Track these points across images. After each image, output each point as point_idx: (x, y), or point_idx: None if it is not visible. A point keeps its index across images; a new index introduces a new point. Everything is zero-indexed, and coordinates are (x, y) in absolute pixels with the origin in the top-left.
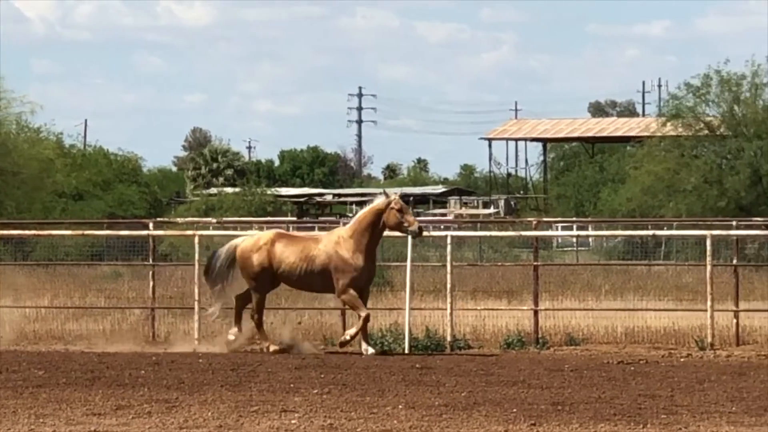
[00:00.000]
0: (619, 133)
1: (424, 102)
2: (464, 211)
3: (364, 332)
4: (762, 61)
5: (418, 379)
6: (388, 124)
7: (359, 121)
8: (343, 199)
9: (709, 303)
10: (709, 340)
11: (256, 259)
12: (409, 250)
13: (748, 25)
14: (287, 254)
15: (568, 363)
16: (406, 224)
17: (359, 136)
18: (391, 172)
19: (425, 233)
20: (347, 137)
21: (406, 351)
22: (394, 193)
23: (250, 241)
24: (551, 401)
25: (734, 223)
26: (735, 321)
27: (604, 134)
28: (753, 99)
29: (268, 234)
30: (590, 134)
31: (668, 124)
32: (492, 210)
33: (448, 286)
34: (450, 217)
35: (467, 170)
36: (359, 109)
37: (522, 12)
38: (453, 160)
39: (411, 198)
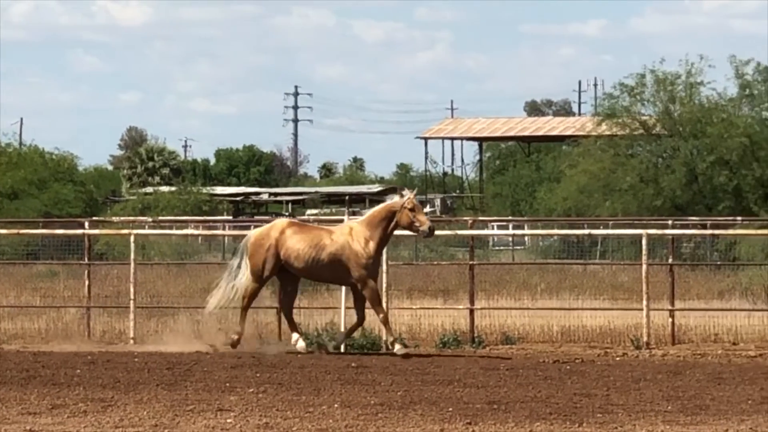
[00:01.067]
0: (555, 133)
1: (360, 101)
2: None
3: (350, 330)
4: (696, 60)
5: (354, 378)
6: (325, 123)
7: (295, 120)
8: (279, 198)
9: (644, 302)
10: (645, 339)
11: (266, 245)
12: None
13: (684, 25)
14: (296, 241)
15: (504, 362)
16: (417, 224)
17: (295, 135)
18: (327, 171)
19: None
20: (283, 136)
21: (342, 350)
22: (409, 191)
23: (262, 229)
24: (487, 400)
25: (670, 222)
26: (671, 320)
27: (540, 133)
28: (688, 98)
29: (280, 222)
30: (526, 133)
31: (604, 123)
32: (428, 209)
33: (384, 285)
34: None
35: (403, 169)
36: (295, 108)
37: (457, 11)
38: (389, 159)
39: (346, 197)
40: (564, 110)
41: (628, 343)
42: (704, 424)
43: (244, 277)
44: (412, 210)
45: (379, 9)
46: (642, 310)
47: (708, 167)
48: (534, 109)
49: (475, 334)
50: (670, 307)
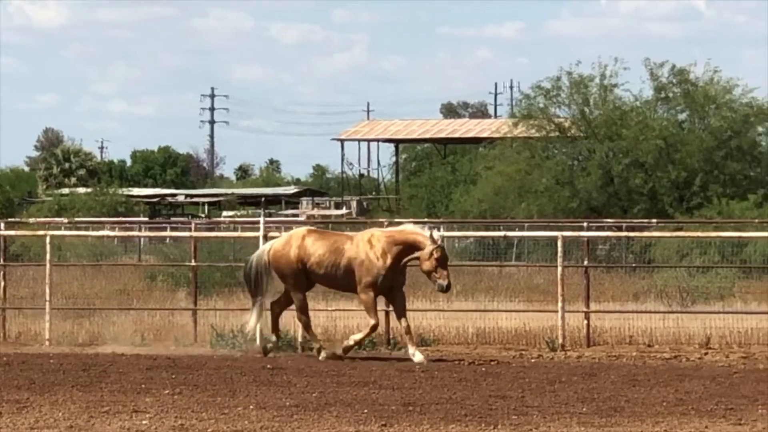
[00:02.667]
0: (471, 134)
1: (277, 103)
2: (316, 212)
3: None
4: (611, 62)
5: (269, 379)
6: (241, 124)
7: (212, 122)
8: (195, 199)
9: (560, 304)
10: (560, 341)
11: (289, 254)
12: None
13: (599, 27)
14: (317, 247)
15: (420, 364)
16: (437, 275)
17: (212, 136)
18: (243, 172)
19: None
20: (200, 138)
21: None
22: (442, 238)
23: (281, 239)
24: (402, 402)
25: (585, 224)
26: (586, 322)
27: (456, 135)
28: (603, 100)
29: (299, 230)
30: (442, 135)
31: (520, 125)
32: (344, 211)
33: None
34: (302, 218)
35: (319, 171)
36: (212, 109)
37: (374, 13)
38: (305, 161)
39: (262, 199)
40: (480, 112)
41: (543, 345)
42: (619, 426)
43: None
44: (438, 260)
45: (295, 11)
46: (557, 312)
47: (623, 169)
48: (450, 111)
49: (391, 336)
50: (585, 309)
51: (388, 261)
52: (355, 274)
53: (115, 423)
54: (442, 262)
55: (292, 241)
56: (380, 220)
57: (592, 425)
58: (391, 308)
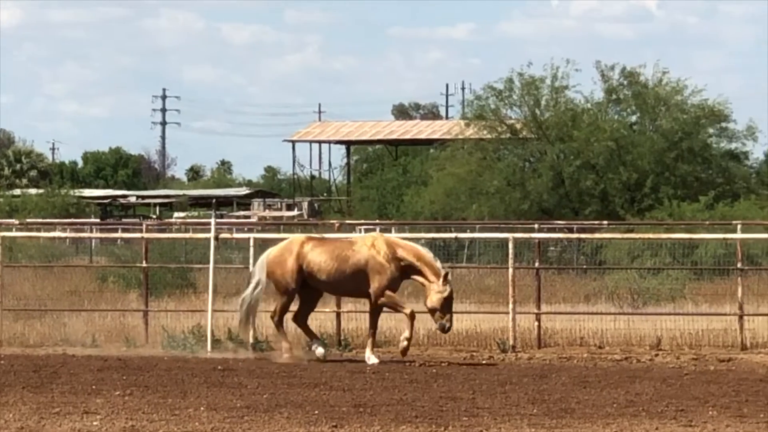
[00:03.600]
0: (422, 136)
1: (229, 104)
2: (268, 213)
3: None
4: (562, 64)
5: (220, 380)
6: (193, 125)
7: (163, 123)
8: (146, 201)
9: (511, 305)
10: (511, 342)
11: (287, 262)
12: (211, 253)
13: (551, 28)
14: (318, 254)
15: (370, 365)
16: (440, 315)
17: (163, 137)
18: (194, 173)
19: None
20: (151, 139)
21: (209, 353)
22: (449, 280)
23: (278, 247)
24: (353, 403)
25: (536, 226)
26: (537, 323)
27: (408, 137)
28: (554, 102)
29: (297, 238)
30: (394, 137)
31: (471, 125)
32: (295, 212)
33: None
34: (253, 219)
35: (271, 172)
36: (163, 110)
37: (326, 14)
38: (257, 162)
39: (214, 200)
40: (431, 114)
41: (494, 347)
42: (569, 428)
43: (255, 294)
44: (445, 299)
45: (247, 12)
46: (508, 313)
47: (575, 171)
48: (402, 112)
49: (342, 337)
50: (536, 311)
51: (393, 267)
52: (367, 280)
53: (66, 424)
54: (449, 303)
55: (292, 247)
56: (332, 221)
57: (542, 427)
58: (345, 309)
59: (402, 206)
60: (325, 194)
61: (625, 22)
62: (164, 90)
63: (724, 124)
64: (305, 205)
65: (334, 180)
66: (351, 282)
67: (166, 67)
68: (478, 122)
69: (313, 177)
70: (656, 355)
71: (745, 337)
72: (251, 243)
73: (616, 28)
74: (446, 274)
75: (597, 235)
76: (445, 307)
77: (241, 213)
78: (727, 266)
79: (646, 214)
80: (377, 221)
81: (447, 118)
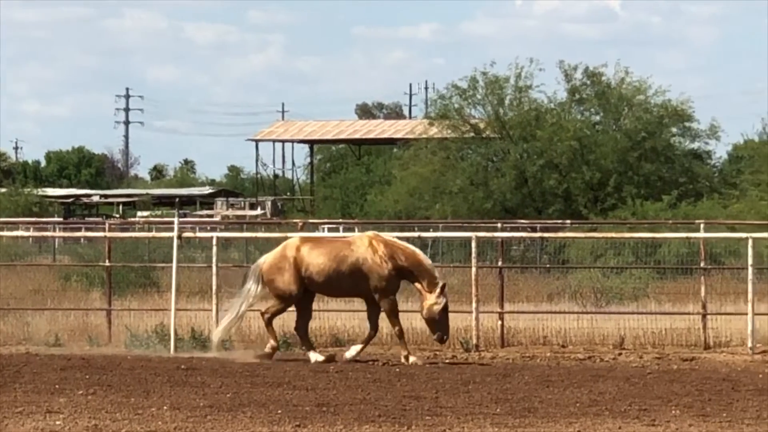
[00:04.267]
0: (385, 135)
1: (192, 103)
2: (231, 212)
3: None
4: (526, 63)
5: (184, 380)
6: (156, 125)
7: (126, 122)
8: (110, 200)
9: (474, 304)
10: (474, 341)
11: (284, 267)
12: (174, 252)
13: (515, 28)
14: (316, 257)
15: (334, 364)
16: (435, 328)
17: (126, 137)
18: (158, 173)
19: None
20: (114, 138)
21: (172, 352)
22: (445, 292)
23: (275, 252)
24: (316, 402)
25: (499, 225)
26: (500, 322)
27: (371, 136)
28: (518, 101)
29: (292, 241)
30: (357, 136)
31: (435, 125)
32: (259, 211)
33: (214, 287)
34: (216, 219)
35: (234, 172)
36: (126, 110)
37: (290, 13)
38: (220, 162)
39: (177, 199)
40: (395, 113)
41: (457, 346)
42: (532, 427)
43: (248, 304)
44: (443, 311)
45: (210, 11)
46: (471, 312)
47: (538, 170)
48: (365, 111)
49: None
50: (499, 310)
51: (391, 266)
52: (369, 282)
53: (29, 423)
54: (446, 314)
55: (287, 253)
56: (295, 220)
57: (505, 426)
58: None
59: (365, 205)
60: (288, 193)
61: (588, 22)
62: (127, 89)
63: (687, 124)
64: (268, 204)
65: (298, 179)
66: (348, 282)
67: (130, 66)
68: (441, 122)
69: (276, 176)
70: (619, 354)
71: (708, 337)
72: (214, 242)
73: (579, 28)
74: (443, 286)
75: (560, 234)
76: (443, 318)
77: (205, 212)
78: (690, 265)
79: (609, 214)
80: (341, 220)
81: (410, 117)
